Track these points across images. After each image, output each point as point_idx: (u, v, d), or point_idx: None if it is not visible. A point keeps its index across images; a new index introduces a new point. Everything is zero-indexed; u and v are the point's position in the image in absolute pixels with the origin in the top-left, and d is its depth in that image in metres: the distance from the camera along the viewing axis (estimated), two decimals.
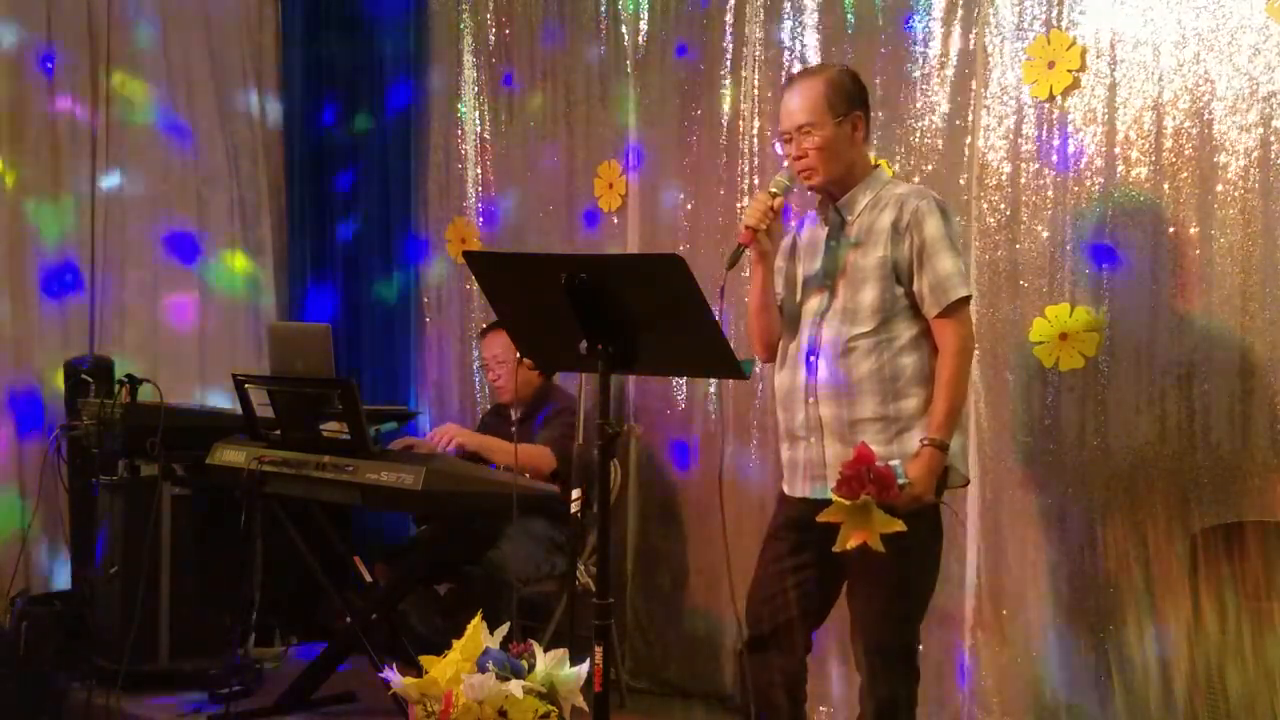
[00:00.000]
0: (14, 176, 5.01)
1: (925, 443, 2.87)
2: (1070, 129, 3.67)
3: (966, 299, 2.94)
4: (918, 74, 3.98)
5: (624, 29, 4.78)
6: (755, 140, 4.37)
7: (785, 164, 3.08)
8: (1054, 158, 3.69)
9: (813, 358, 2.99)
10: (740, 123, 4.42)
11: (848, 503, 2.65)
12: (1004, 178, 3.78)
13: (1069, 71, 3.65)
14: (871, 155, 3.61)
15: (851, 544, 2.67)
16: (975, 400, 3.73)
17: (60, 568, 4.99)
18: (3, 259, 4.97)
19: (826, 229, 3.06)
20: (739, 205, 4.38)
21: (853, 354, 2.94)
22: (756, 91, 4.37)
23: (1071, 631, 3.63)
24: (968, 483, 3.18)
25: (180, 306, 5.47)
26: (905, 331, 2.95)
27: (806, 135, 2.97)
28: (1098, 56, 3.62)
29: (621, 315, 2.66)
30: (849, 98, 3.00)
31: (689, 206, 4.58)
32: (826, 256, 3.03)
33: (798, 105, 2.99)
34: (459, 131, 5.36)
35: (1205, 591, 3.34)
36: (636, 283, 2.70)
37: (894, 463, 2.80)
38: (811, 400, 2.99)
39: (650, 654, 4.63)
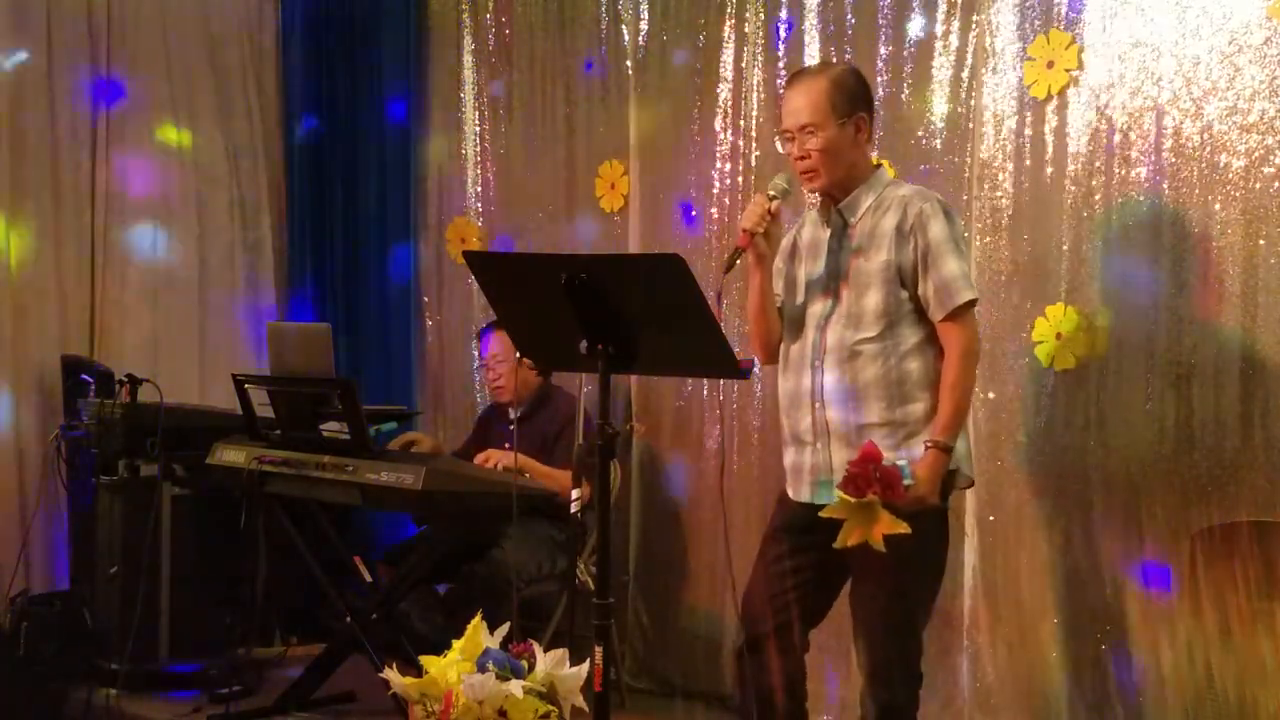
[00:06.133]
0: (14, 176, 5.01)
1: (930, 445, 2.86)
2: (1070, 129, 3.67)
3: (972, 302, 2.92)
4: (918, 74, 3.98)
5: (624, 29, 4.78)
6: (755, 140, 4.38)
7: (783, 173, 3.07)
8: (1053, 158, 3.69)
9: (818, 362, 2.97)
10: (741, 122, 4.42)
11: (853, 500, 2.65)
12: (1004, 178, 3.78)
13: (1068, 71, 3.65)
14: (874, 155, 3.62)
15: (852, 541, 2.66)
16: (974, 400, 3.73)
17: (60, 568, 4.99)
18: (4, 259, 4.97)
19: (828, 231, 3.04)
20: (739, 205, 4.38)
21: (859, 359, 2.92)
22: (757, 91, 4.37)
23: (1071, 631, 3.63)
24: (972, 484, 3.17)
25: (180, 306, 5.48)
26: (911, 336, 2.93)
27: (809, 136, 2.95)
28: (1097, 56, 3.62)
29: (621, 315, 2.65)
30: (853, 98, 2.97)
31: (689, 206, 4.58)
32: (829, 259, 3.02)
33: (801, 104, 2.96)
34: (459, 132, 5.36)
35: (1205, 591, 3.34)
36: (636, 283, 2.70)
37: (901, 462, 2.79)
38: (818, 405, 2.98)
39: (650, 654, 4.63)
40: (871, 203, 3.00)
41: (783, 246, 3.10)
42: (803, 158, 2.97)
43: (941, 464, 2.86)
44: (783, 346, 3.10)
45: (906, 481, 2.74)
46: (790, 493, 3.09)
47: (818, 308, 3.01)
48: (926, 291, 2.92)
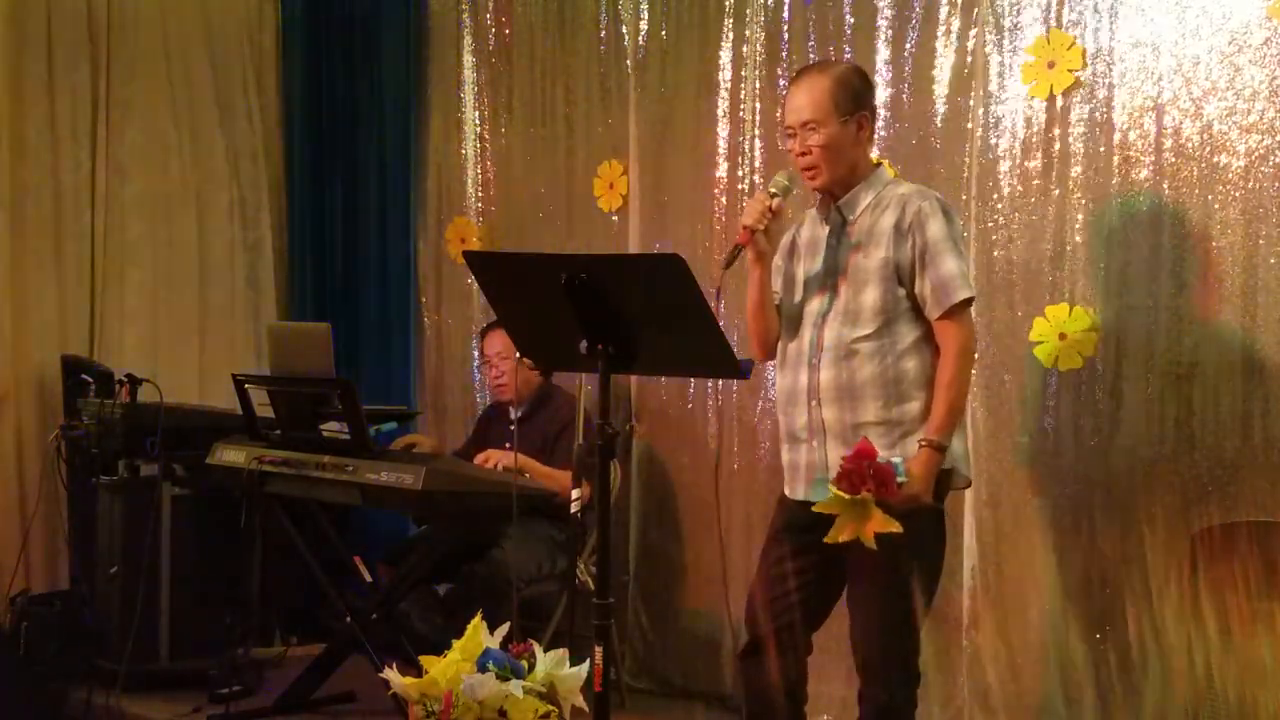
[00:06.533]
0: (14, 176, 5.01)
1: (923, 444, 2.86)
2: (1070, 129, 3.67)
3: (969, 301, 2.92)
4: (918, 74, 3.98)
5: (624, 29, 4.78)
6: (756, 140, 4.37)
7: (785, 170, 3.07)
8: (1054, 158, 3.69)
9: (815, 360, 2.98)
10: (741, 122, 4.42)
11: (846, 497, 2.65)
12: (1004, 178, 3.78)
13: (1069, 71, 3.65)
14: (874, 154, 3.62)
15: (844, 537, 2.66)
16: (973, 400, 3.73)
17: (60, 568, 4.99)
18: (4, 259, 4.97)
19: (827, 228, 3.05)
20: (740, 204, 4.38)
21: (855, 357, 2.93)
22: (757, 91, 4.37)
23: (1071, 631, 3.63)
24: (969, 484, 3.17)
25: (180, 306, 5.48)
26: (908, 334, 2.93)
27: (811, 133, 2.95)
28: (1097, 56, 3.62)
29: (621, 315, 2.65)
30: (855, 96, 2.97)
31: (690, 206, 4.58)
32: (827, 256, 3.02)
33: (803, 101, 2.97)
34: (459, 131, 5.36)
35: (1205, 591, 3.34)
36: (636, 283, 2.70)
37: (895, 459, 2.78)
38: (814, 403, 2.98)
39: (650, 654, 4.63)
40: (871, 200, 3.00)
41: (782, 244, 3.11)
42: (804, 154, 2.97)
43: (935, 462, 2.86)
44: (780, 344, 3.10)
45: (900, 479, 2.74)
46: (787, 491, 3.09)
47: (815, 305, 3.01)
48: (924, 289, 2.92)
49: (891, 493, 2.66)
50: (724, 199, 4.47)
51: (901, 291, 2.93)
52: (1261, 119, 3.34)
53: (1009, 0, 3.77)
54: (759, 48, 4.36)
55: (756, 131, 4.37)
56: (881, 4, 4.05)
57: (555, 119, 5.05)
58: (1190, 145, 3.46)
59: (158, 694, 4.30)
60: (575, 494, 3.22)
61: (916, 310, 2.94)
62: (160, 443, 4.36)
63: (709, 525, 4.45)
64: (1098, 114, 3.62)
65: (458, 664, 2.64)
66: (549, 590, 4.39)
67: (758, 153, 4.37)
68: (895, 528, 2.62)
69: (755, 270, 3.04)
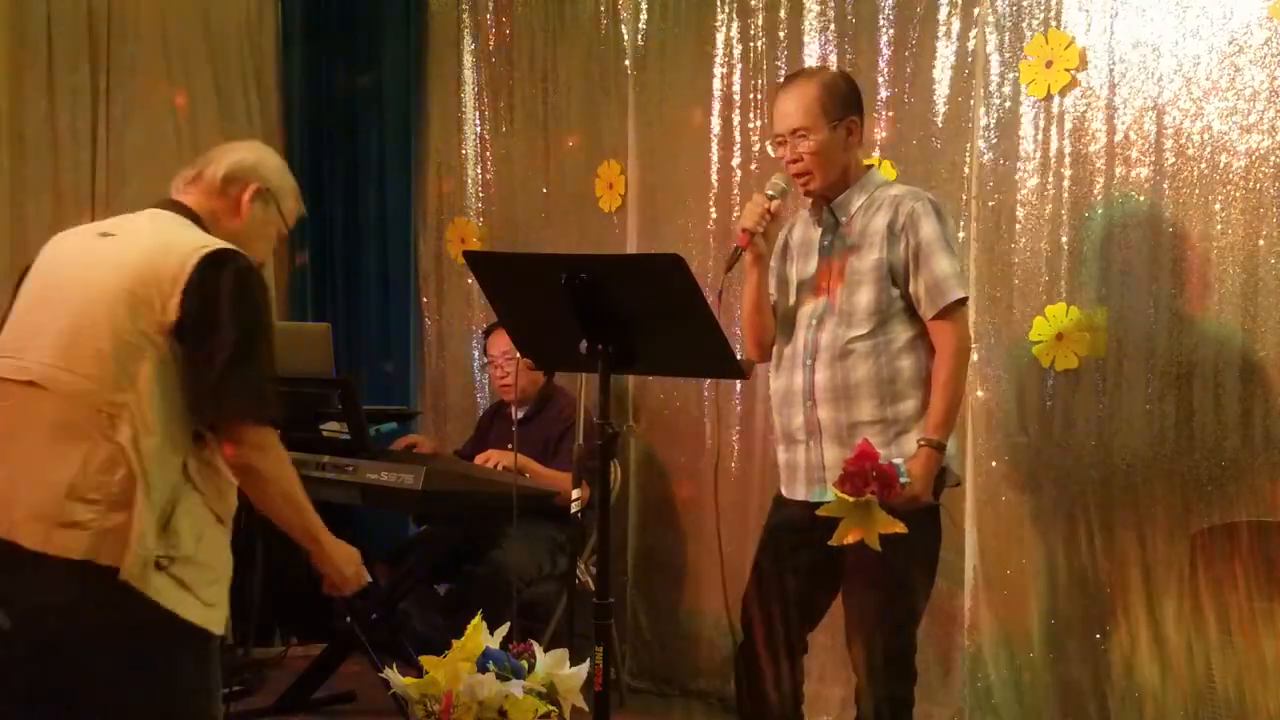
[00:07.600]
0: (14, 176, 5.00)
1: (923, 443, 2.87)
2: (1070, 129, 3.67)
3: (963, 300, 2.93)
4: (918, 74, 3.98)
5: (624, 29, 4.79)
6: (754, 140, 4.38)
7: (781, 173, 3.07)
8: (1053, 158, 3.69)
9: (810, 361, 2.99)
10: (739, 122, 4.42)
11: (850, 499, 2.65)
12: (1004, 178, 3.78)
13: (1067, 71, 3.65)
14: (873, 156, 3.62)
15: (849, 540, 2.67)
16: (972, 400, 3.73)
17: None
18: (3, 259, 4.97)
19: (820, 230, 3.06)
20: (736, 206, 4.38)
21: (850, 357, 2.94)
22: (756, 92, 4.37)
23: (1070, 631, 3.63)
24: (960, 483, 3.19)
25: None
26: (902, 334, 2.95)
27: (801, 139, 2.96)
28: (1097, 56, 3.62)
29: (621, 315, 2.65)
30: (843, 101, 2.98)
31: (689, 206, 4.58)
32: (821, 258, 3.03)
33: (791, 109, 2.98)
34: (459, 131, 5.36)
35: (1205, 591, 3.34)
36: (636, 283, 2.70)
37: (897, 461, 2.79)
38: (810, 403, 2.99)
39: (650, 654, 4.64)
40: (863, 202, 3.01)
41: (775, 246, 3.12)
42: (795, 161, 2.98)
43: (935, 462, 2.87)
44: (775, 345, 3.11)
45: (903, 480, 2.74)
46: (784, 491, 3.10)
47: (809, 306, 3.03)
48: (918, 289, 2.93)
49: (895, 494, 2.67)
50: (723, 199, 4.47)
51: (895, 292, 2.95)
52: (1262, 119, 3.34)
53: (1009, 0, 3.77)
54: (759, 48, 4.36)
55: (753, 126, 4.37)
56: (882, 4, 4.05)
57: (555, 119, 5.05)
58: (1190, 145, 3.46)
59: None
60: (575, 494, 3.22)
61: (910, 310, 2.96)
62: None
63: (708, 525, 4.45)
64: (1097, 114, 3.62)
65: (458, 664, 2.64)
66: (549, 590, 4.39)
67: (756, 152, 4.37)
68: (900, 528, 2.62)
69: (753, 272, 3.06)
